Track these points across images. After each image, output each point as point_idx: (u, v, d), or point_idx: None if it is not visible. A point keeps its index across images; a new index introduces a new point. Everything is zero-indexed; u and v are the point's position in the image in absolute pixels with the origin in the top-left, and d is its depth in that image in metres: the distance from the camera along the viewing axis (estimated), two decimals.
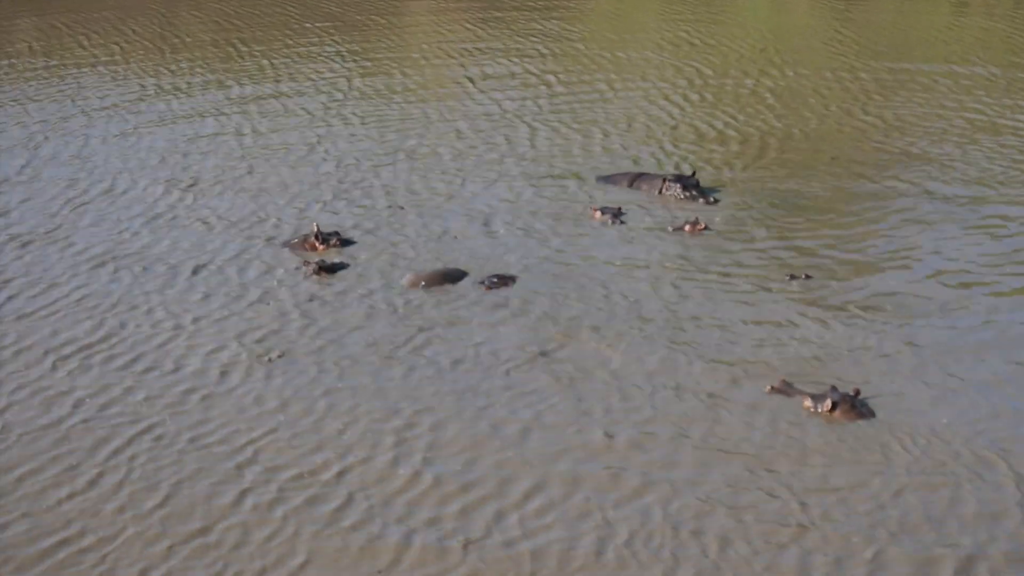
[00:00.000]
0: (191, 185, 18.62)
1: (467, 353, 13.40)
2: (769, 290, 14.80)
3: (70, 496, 11.27)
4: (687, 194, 17.37)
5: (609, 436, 11.86)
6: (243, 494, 11.19)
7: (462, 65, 24.75)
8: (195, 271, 15.60)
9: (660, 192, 17.52)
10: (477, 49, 25.83)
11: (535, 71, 24.33)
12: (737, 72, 24.15)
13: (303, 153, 19.92)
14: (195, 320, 14.34)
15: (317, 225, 16.28)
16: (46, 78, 24.99)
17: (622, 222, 16.69)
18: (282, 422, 12.24)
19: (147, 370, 13.30)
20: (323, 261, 15.57)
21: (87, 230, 16.99)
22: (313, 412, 12.43)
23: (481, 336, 13.73)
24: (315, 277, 15.26)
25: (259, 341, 13.79)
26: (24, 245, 16.41)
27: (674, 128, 20.86)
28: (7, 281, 15.49)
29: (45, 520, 10.99)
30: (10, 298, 15.05)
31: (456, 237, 16.46)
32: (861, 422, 11.92)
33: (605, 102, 22.46)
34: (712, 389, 12.62)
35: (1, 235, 16.93)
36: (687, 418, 12.13)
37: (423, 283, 14.99)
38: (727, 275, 15.19)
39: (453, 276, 15.20)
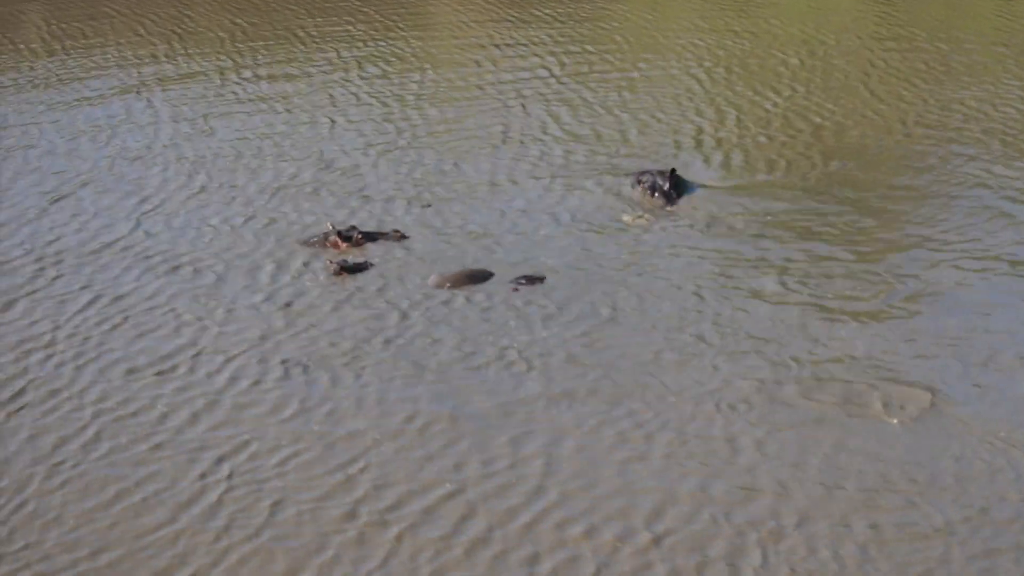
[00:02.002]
0: (205, 180, 18.49)
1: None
2: (830, 291, 14.68)
3: (171, 518, 11.08)
4: (653, 196, 17.17)
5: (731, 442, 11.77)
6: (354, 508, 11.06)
7: (491, 59, 24.50)
8: (218, 271, 15.48)
9: (632, 189, 17.38)
10: (505, 44, 25.56)
11: (567, 64, 24.10)
12: (777, 61, 23.97)
13: (321, 149, 19.67)
14: (222, 322, 14.27)
15: (332, 223, 16.15)
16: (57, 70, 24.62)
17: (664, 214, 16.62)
18: (385, 432, 12.11)
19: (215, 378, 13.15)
20: (345, 260, 15.39)
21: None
22: (410, 422, 12.24)
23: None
24: (336, 277, 15.17)
25: (332, 345, 13.65)
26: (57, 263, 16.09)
27: (716, 120, 20.70)
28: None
29: (145, 543, 10.79)
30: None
31: (484, 236, 16.33)
32: None
33: (640, 92, 22.30)
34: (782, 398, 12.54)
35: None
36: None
37: (448, 284, 14.87)
38: (783, 276, 15.04)
39: (479, 276, 15.07)
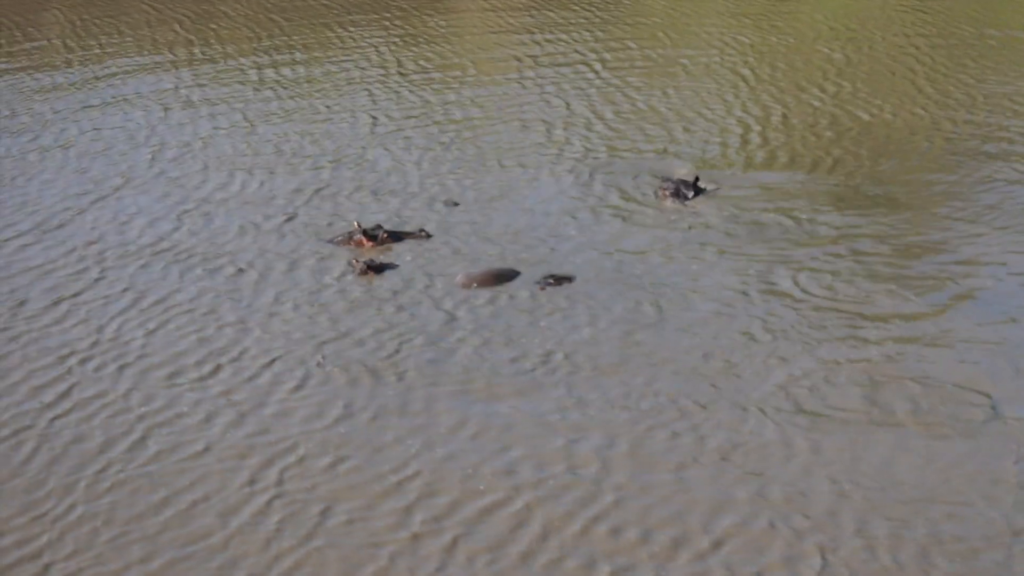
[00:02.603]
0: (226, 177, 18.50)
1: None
2: (878, 292, 14.59)
3: (221, 523, 11.08)
4: (676, 202, 17.12)
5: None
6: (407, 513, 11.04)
7: (516, 57, 24.35)
8: (241, 270, 15.50)
9: (656, 196, 17.30)
10: (533, 41, 25.44)
11: (594, 59, 23.96)
12: (822, 56, 23.84)
13: (349, 147, 19.64)
14: (263, 324, 14.26)
15: (358, 222, 16.13)
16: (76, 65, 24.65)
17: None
18: (431, 438, 12.10)
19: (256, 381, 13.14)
20: (372, 260, 15.36)
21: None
22: (461, 427, 12.20)
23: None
24: (363, 277, 15.17)
25: (376, 347, 13.71)
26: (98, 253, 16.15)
27: (762, 117, 20.57)
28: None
29: (196, 548, 10.77)
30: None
31: (511, 234, 16.28)
32: None
33: (670, 87, 22.16)
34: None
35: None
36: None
37: (475, 283, 14.86)
38: (828, 276, 14.96)
39: (506, 276, 15.03)
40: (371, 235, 15.92)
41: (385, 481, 11.54)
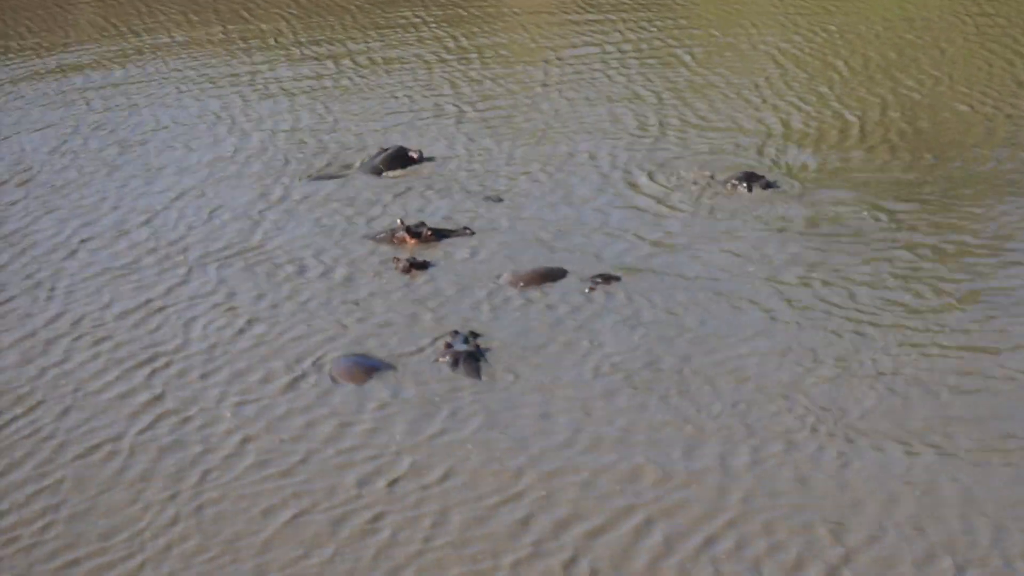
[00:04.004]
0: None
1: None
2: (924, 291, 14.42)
3: (331, 532, 10.89)
4: (747, 193, 16.95)
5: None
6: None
7: (555, 50, 24.08)
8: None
9: (727, 190, 17.07)
10: (581, 32, 25.14)
11: (657, 46, 23.71)
12: (863, 43, 23.50)
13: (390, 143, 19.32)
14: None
15: (401, 218, 16.06)
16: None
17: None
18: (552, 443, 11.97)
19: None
20: (414, 258, 15.25)
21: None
22: (577, 434, 12.10)
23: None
24: (406, 275, 15.10)
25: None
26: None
27: (843, 107, 20.23)
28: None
29: (307, 562, 10.70)
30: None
31: (557, 231, 16.15)
32: None
33: (720, 78, 21.88)
34: None
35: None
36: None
37: (522, 282, 14.74)
38: (884, 278, 14.73)
39: (553, 275, 14.89)
40: (415, 232, 15.79)
41: (500, 490, 11.38)
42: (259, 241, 16.27)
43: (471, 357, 13.20)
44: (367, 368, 13.21)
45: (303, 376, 13.24)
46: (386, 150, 18.43)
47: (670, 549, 10.64)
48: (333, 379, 13.10)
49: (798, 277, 14.77)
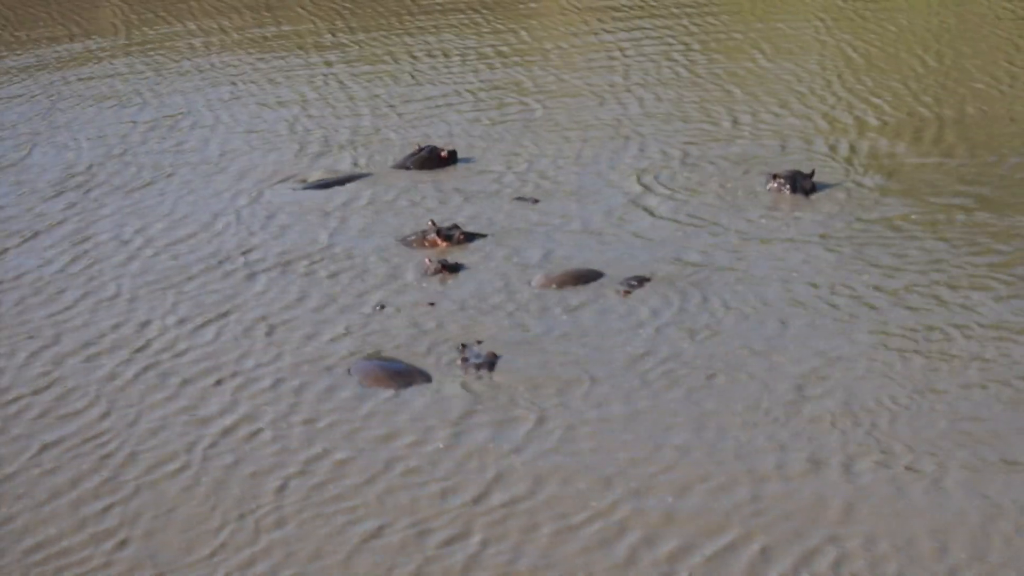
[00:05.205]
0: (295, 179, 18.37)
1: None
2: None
3: (417, 544, 10.87)
4: (793, 195, 16.75)
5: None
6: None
7: (615, 44, 23.87)
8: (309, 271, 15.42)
9: (769, 189, 16.86)
10: (617, 29, 24.91)
11: (681, 47, 23.42)
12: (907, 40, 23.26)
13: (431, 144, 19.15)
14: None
15: (433, 220, 15.98)
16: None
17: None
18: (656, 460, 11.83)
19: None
20: (445, 260, 15.18)
21: None
22: (678, 450, 11.97)
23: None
24: (437, 276, 15.06)
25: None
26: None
27: (843, 108, 20.05)
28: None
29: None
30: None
31: (591, 233, 16.08)
32: None
33: (759, 79, 21.63)
34: None
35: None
36: None
37: (554, 284, 14.71)
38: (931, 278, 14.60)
39: (587, 276, 14.85)
40: (446, 235, 15.73)
41: (593, 505, 11.26)
42: (323, 246, 16.17)
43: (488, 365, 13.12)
44: (395, 372, 13.16)
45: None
46: (421, 150, 18.30)
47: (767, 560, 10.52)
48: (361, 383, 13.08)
49: (873, 281, 14.62)
